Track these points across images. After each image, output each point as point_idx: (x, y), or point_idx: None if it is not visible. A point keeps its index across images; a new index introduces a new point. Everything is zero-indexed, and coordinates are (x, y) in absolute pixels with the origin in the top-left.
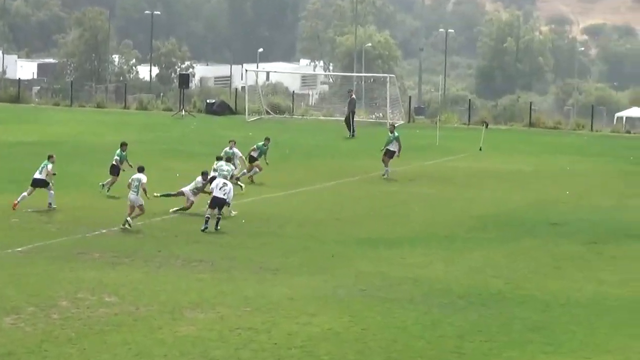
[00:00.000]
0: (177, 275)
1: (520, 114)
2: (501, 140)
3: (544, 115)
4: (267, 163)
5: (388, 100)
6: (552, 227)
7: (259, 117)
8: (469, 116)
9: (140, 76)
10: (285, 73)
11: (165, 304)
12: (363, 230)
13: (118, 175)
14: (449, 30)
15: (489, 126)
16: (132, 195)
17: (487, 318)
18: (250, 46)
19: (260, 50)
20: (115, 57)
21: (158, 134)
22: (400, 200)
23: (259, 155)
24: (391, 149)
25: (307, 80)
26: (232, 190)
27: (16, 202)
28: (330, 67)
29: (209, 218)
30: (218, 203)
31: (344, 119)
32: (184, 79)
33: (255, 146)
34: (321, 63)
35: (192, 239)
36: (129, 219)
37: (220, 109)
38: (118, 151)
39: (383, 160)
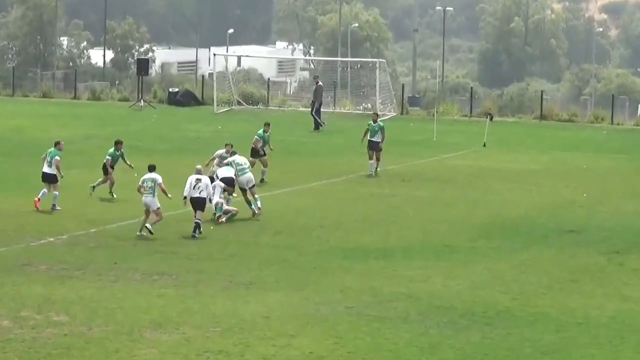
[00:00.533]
0: (135, 290)
1: (530, 105)
2: (508, 134)
3: (557, 106)
4: (271, 149)
5: (377, 89)
6: (567, 235)
7: (229, 108)
8: (471, 107)
9: (93, 61)
10: (260, 58)
11: (122, 323)
12: (350, 238)
13: (107, 174)
14: (447, 9)
15: (493, 118)
16: (147, 197)
17: (494, 339)
18: (219, 27)
19: (231, 31)
20: (64, 40)
21: (113, 127)
22: (393, 204)
23: (264, 145)
24: (375, 139)
25: (285, 66)
26: (209, 186)
27: (37, 199)
28: (311, 51)
29: (198, 222)
30: (199, 204)
31: (314, 110)
32: (143, 65)
33: (256, 137)
34: (300, 46)
35: (152, 249)
36: (147, 225)
37: (185, 99)
38: (111, 150)
39: (369, 156)
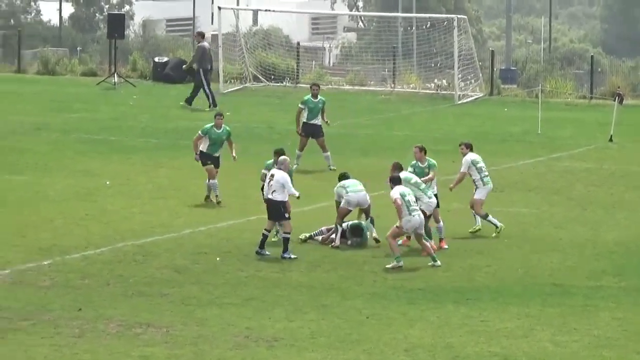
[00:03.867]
0: (108, 350)
1: None
2: None
3: None
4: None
5: (455, 58)
6: None
7: (241, 85)
8: (592, 85)
9: (44, 18)
10: (286, 13)
11: None
12: (418, 275)
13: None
14: None
15: (624, 101)
16: (421, 216)
17: None
18: None
19: None
20: None
21: (73, 114)
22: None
23: None
24: (316, 122)
25: (322, 25)
26: (288, 183)
27: None
28: (360, 4)
29: (266, 236)
30: (272, 209)
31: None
32: (117, 24)
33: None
34: None
35: (134, 289)
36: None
37: (178, 73)
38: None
39: (301, 145)
